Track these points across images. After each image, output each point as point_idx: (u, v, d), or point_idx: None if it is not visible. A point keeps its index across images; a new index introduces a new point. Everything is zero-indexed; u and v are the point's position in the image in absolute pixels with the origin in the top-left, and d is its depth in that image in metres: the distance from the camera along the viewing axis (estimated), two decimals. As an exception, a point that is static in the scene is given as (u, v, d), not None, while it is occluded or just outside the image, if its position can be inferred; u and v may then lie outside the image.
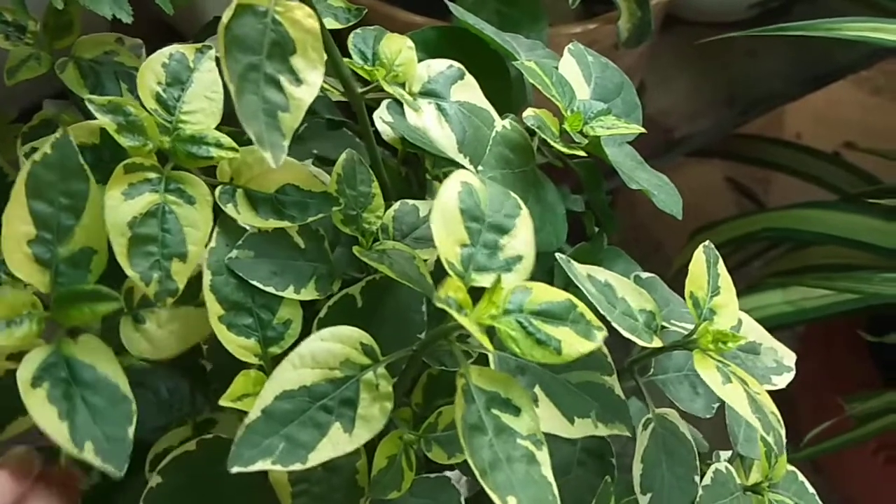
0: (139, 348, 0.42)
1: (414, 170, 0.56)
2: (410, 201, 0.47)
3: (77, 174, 0.39)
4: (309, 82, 0.35)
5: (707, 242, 0.43)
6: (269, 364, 0.41)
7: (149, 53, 0.53)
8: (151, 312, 0.42)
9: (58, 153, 0.39)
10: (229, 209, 0.41)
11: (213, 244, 0.41)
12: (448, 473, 0.47)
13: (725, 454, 0.52)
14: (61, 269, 0.39)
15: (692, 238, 0.99)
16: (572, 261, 0.40)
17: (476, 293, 0.37)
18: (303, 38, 0.35)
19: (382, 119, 0.49)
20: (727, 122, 0.97)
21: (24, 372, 0.37)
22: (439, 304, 0.34)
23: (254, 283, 0.41)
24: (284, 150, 0.34)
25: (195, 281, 0.42)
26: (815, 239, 0.90)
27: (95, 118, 0.41)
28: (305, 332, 0.42)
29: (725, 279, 0.43)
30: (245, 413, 0.44)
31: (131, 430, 0.37)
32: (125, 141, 0.39)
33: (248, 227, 0.42)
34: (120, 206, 0.38)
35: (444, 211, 0.38)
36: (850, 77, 1.11)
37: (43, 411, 0.37)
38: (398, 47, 0.43)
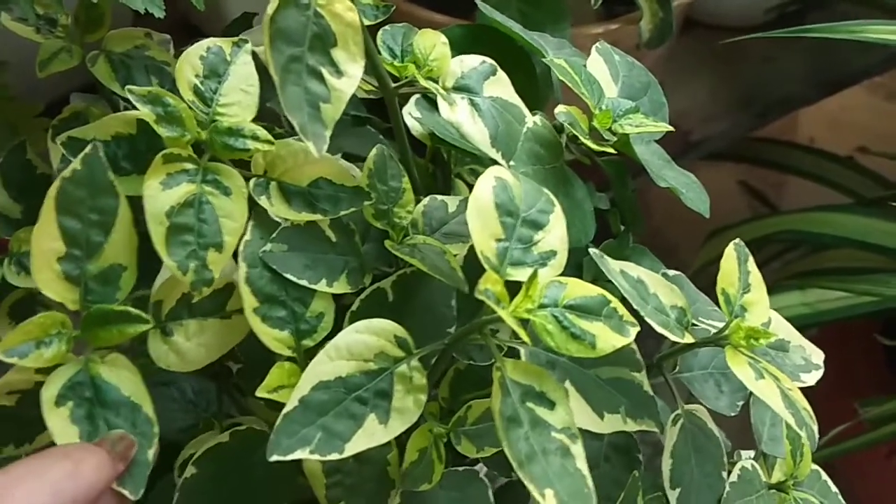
0: (167, 361, 0.42)
1: (440, 167, 0.56)
2: (439, 197, 0.47)
3: (106, 190, 0.39)
4: (349, 74, 0.35)
5: (737, 240, 0.43)
6: (302, 357, 0.42)
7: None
8: (179, 325, 0.42)
9: (87, 169, 0.39)
10: (263, 201, 0.42)
11: (247, 237, 0.41)
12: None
13: (746, 453, 0.52)
14: (90, 286, 0.39)
15: (709, 239, 0.99)
16: (605, 256, 0.40)
17: (510, 287, 0.37)
18: (343, 32, 0.36)
19: (411, 115, 0.49)
20: (744, 125, 0.98)
21: (49, 389, 0.38)
22: (479, 296, 0.34)
23: (287, 275, 0.42)
24: (326, 140, 0.34)
25: (222, 293, 0.42)
26: (832, 242, 0.90)
27: (123, 111, 0.42)
28: (336, 327, 0.43)
29: (756, 277, 0.43)
30: (274, 411, 0.45)
31: (151, 453, 0.38)
32: (164, 131, 0.39)
33: (280, 221, 0.43)
34: (158, 195, 0.38)
35: (479, 205, 0.38)
36: (864, 83, 1.12)
37: (64, 431, 0.37)
38: (432, 43, 0.44)
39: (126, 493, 0.36)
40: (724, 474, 0.46)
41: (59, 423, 0.37)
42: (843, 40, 0.70)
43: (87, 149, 0.39)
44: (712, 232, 1.01)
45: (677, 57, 0.94)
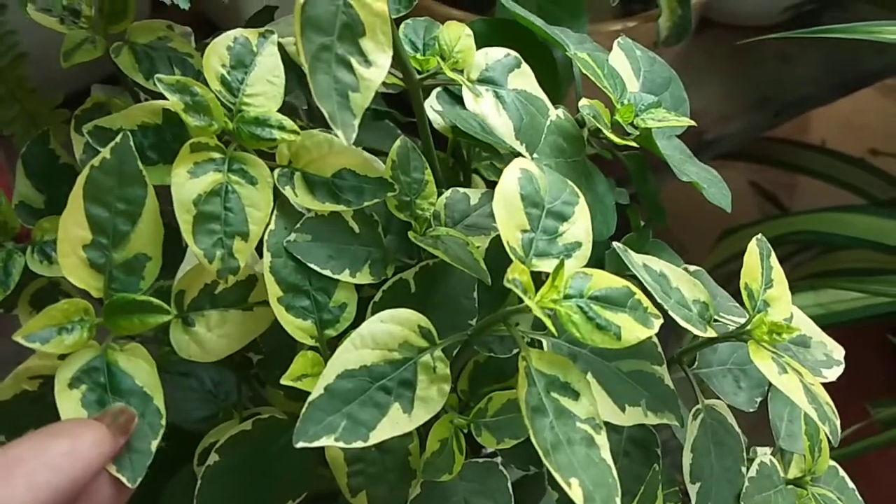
0: (188, 351, 0.42)
1: (459, 162, 0.56)
2: (461, 189, 0.47)
3: (135, 180, 0.39)
4: (378, 64, 0.36)
5: (759, 236, 0.43)
6: (325, 346, 0.42)
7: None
8: (201, 316, 0.42)
9: (116, 158, 0.39)
10: (287, 191, 0.42)
11: (272, 227, 0.41)
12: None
13: (762, 450, 0.52)
14: (115, 274, 0.40)
15: (721, 239, 0.99)
16: (629, 249, 0.41)
17: (535, 278, 0.37)
18: (372, 21, 0.36)
19: (433, 108, 0.50)
20: (758, 125, 0.98)
21: (65, 371, 0.38)
22: (507, 285, 0.34)
23: (311, 265, 0.42)
24: (355, 129, 0.34)
25: (245, 285, 0.43)
26: (845, 242, 0.90)
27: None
28: (357, 318, 0.43)
29: (778, 272, 0.43)
30: (293, 401, 0.45)
31: (155, 444, 0.38)
32: (192, 120, 0.39)
33: (304, 211, 0.43)
34: (186, 183, 0.39)
35: (505, 196, 0.39)
36: (876, 85, 1.12)
37: (73, 414, 0.37)
38: (457, 34, 0.44)
39: (123, 479, 0.37)
40: (744, 469, 0.46)
41: (70, 405, 0.38)
42: (860, 41, 0.70)
43: (117, 138, 0.39)
44: (724, 232, 1.01)
45: (692, 56, 0.94)
